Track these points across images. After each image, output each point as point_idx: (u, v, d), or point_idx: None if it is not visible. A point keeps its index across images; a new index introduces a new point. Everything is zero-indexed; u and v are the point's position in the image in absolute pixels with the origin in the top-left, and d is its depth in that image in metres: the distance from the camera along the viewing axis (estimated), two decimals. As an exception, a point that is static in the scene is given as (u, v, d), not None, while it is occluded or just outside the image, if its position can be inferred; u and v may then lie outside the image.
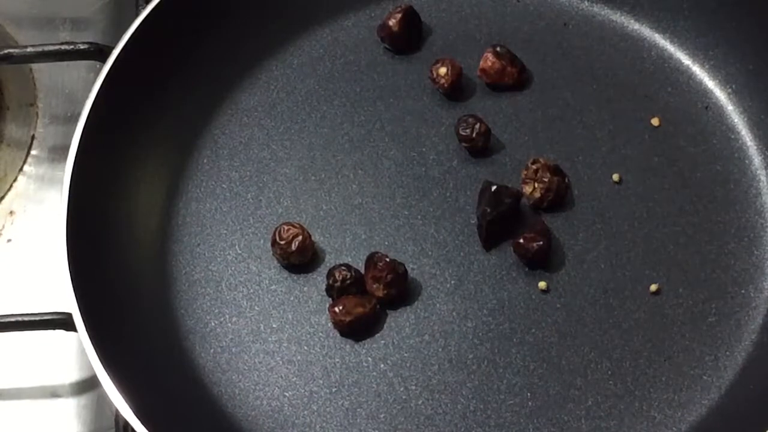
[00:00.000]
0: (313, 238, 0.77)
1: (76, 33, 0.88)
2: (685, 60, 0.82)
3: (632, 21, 0.83)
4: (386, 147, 0.80)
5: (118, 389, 0.69)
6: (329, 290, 0.75)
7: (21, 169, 0.85)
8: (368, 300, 0.75)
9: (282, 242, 0.76)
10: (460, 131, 0.79)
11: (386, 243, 0.77)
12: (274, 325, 0.76)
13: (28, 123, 0.86)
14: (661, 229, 0.77)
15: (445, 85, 0.80)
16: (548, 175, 0.77)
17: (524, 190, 0.77)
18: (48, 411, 0.77)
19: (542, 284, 0.76)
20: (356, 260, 0.76)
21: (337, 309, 0.74)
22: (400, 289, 0.75)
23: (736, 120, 0.80)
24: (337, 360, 0.75)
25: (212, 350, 0.75)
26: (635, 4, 0.83)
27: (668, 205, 0.78)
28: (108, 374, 0.69)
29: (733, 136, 0.80)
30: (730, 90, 0.81)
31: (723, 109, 0.81)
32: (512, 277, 0.76)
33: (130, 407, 0.68)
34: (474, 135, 0.78)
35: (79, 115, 0.76)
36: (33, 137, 0.86)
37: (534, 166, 0.77)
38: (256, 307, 0.76)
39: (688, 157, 0.79)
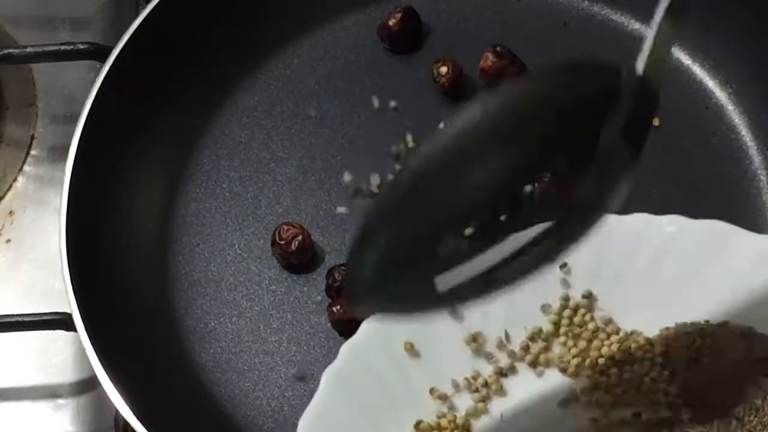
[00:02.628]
0: (313, 238, 0.77)
1: (76, 33, 0.88)
2: (685, 60, 0.82)
3: (632, 21, 0.83)
4: (386, 147, 0.80)
5: (118, 389, 0.69)
6: (329, 290, 0.75)
7: (21, 169, 0.85)
8: (368, 300, 0.75)
9: (282, 242, 0.76)
10: (460, 131, 0.79)
11: (386, 243, 0.77)
12: (274, 325, 0.76)
13: (28, 123, 0.86)
14: (661, 229, 0.77)
15: (446, 84, 0.80)
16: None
17: (524, 190, 0.77)
18: (48, 411, 0.77)
19: (542, 284, 0.76)
20: (356, 260, 0.76)
21: (336, 309, 0.74)
22: (400, 289, 0.75)
23: (736, 120, 0.80)
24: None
25: (212, 350, 0.75)
26: (635, 4, 0.83)
27: (668, 204, 0.78)
28: (108, 374, 0.69)
29: (733, 136, 0.80)
30: (730, 90, 0.81)
31: (723, 109, 0.80)
32: (512, 277, 0.76)
33: (130, 407, 0.68)
34: (474, 135, 0.78)
35: (79, 115, 0.76)
36: (33, 137, 0.86)
37: (534, 166, 0.77)
38: (256, 307, 0.76)
39: (688, 157, 0.79)
